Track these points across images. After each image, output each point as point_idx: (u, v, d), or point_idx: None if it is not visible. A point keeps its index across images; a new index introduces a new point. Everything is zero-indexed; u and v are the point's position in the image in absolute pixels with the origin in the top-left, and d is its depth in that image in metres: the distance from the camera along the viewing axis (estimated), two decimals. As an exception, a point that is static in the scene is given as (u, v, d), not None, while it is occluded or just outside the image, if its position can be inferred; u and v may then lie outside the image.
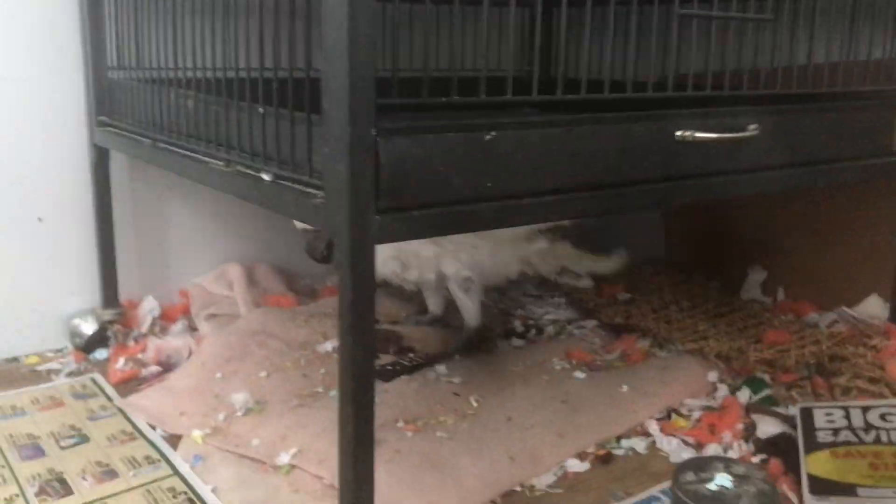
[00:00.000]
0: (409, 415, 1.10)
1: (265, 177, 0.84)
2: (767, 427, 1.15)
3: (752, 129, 0.94)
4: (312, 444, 1.03)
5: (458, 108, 0.78)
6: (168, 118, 1.10)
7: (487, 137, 0.75)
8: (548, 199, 0.81)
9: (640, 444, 1.13)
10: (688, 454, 1.11)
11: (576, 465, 1.07)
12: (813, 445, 1.05)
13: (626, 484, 1.05)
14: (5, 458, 1.07)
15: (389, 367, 1.24)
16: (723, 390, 1.26)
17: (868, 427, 1.07)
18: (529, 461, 1.04)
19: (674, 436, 1.15)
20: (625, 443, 1.13)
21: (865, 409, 1.11)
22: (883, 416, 1.09)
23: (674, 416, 1.20)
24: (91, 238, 1.43)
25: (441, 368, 1.24)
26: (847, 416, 1.10)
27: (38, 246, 1.40)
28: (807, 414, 1.12)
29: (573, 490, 1.03)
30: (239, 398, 1.15)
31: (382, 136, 0.70)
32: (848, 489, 0.97)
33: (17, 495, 0.98)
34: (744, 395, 1.24)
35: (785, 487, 1.01)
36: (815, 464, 1.02)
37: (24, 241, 1.39)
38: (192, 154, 1.03)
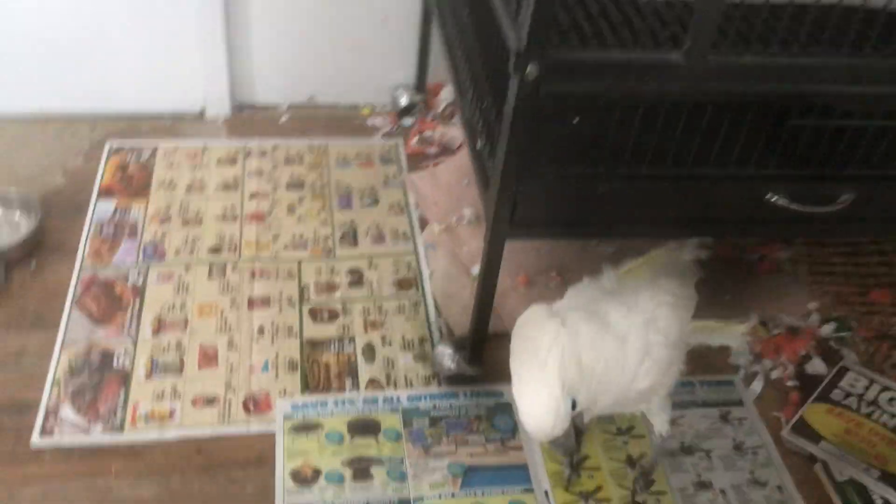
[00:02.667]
0: (562, 268, 1.63)
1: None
2: (816, 367, 1.53)
3: (843, 200, 1.22)
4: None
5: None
6: None
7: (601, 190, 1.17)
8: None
9: (716, 339, 1.58)
10: (743, 360, 1.54)
11: (659, 339, 1.57)
12: (822, 397, 1.45)
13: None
14: (329, 203, 1.77)
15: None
16: (814, 318, 1.62)
17: (872, 403, 1.43)
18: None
19: (747, 341, 1.58)
20: (707, 334, 1.59)
21: (883, 389, 1.45)
22: (890, 401, 1.43)
23: (760, 326, 1.61)
24: (415, 33, 1.95)
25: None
26: (867, 388, 1.46)
27: (382, 37, 1.96)
28: (841, 372, 1.49)
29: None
30: (467, 211, 1.73)
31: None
32: (815, 437, 1.39)
33: (329, 236, 1.70)
34: (827, 329, 1.59)
35: (782, 415, 1.45)
36: (812, 411, 1.43)
37: (372, 32, 1.95)
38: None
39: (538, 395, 1.05)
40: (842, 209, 1.22)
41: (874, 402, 1.44)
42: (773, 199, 1.20)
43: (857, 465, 1.35)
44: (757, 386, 1.50)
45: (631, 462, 1.35)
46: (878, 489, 1.32)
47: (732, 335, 1.36)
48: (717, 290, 1.64)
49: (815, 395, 1.46)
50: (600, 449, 1.36)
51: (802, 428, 1.41)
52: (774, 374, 1.52)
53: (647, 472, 1.33)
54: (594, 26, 1.08)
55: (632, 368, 1.13)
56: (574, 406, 1.06)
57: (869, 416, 1.42)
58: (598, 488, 1.31)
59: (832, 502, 1.32)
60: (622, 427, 1.40)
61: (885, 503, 1.31)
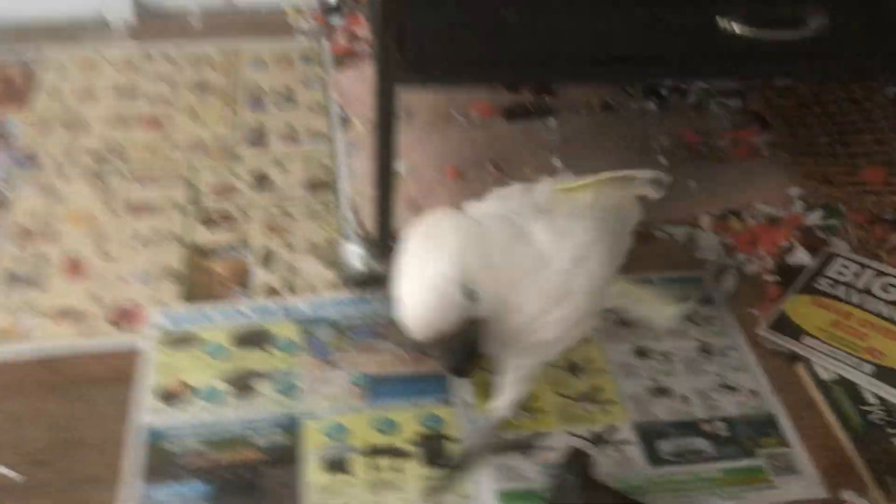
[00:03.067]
0: (500, 159, 1.40)
1: None
2: (799, 258, 1.30)
3: (813, 25, 0.98)
4: (424, 160, 1.39)
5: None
6: None
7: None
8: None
9: (680, 232, 1.35)
10: (713, 255, 1.31)
11: (613, 235, 1.34)
12: (805, 288, 1.22)
13: (643, 263, 1.29)
14: (237, 105, 1.55)
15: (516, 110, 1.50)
16: (797, 205, 1.38)
17: (864, 290, 1.20)
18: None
19: (718, 234, 1.34)
20: (669, 228, 1.35)
21: (878, 274, 1.22)
22: (885, 287, 1.20)
23: (732, 217, 1.37)
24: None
25: (552, 122, 1.48)
26: (858, 274, 1.23)
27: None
28: (828, 259, 1.26)
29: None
30: (393, 104, 1.51)
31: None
32: (796, 332, 1.16)
33: (232, 138, 1.47)
34: (813, 216, 1.36)
35: (758, 312, 1.22)
36: (794, 304, 1.20)
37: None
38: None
39: (424, 271, 0.78)
40: (811, 37, 0.98)
41: (866, 290, 1.20)
42: (726, 25, 0.96)
43: (846, 360, 1.12)
44: (729, 282, 1.27)
45: (573, 368, 1.13)
46: (870, 386, 1.09)
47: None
48: (684, 177, 1.41)
49: (797, 285, 1.23)
50: (537, 355, 1.14)
51: (782, 323, 1.18)
52: (750, 269, 1.29)
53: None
54: None
55: (544, 306, 0.85)
56: (472, 298, 0.78)
57: (860, 305, 1.19)
58: (532, 397, 1.09)
59: (816, 404, 1.10)
60: (565, 330, 1.18)
61: (880, 402, 1.09)
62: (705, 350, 1.17)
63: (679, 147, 1.47)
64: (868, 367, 1.11)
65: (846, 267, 1.24)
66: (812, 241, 1.32)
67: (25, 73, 1.58)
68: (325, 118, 1.53)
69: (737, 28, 0.96)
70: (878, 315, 1.17)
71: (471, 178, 1.36)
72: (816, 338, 1.15)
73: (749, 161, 1.45)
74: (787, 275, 1.27)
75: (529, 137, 1.44)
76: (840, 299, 1.20)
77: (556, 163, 1.40)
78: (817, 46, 0.99)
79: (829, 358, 1.12)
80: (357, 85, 1.59)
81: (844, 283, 1.22)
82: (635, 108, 1.53)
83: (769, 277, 1.27)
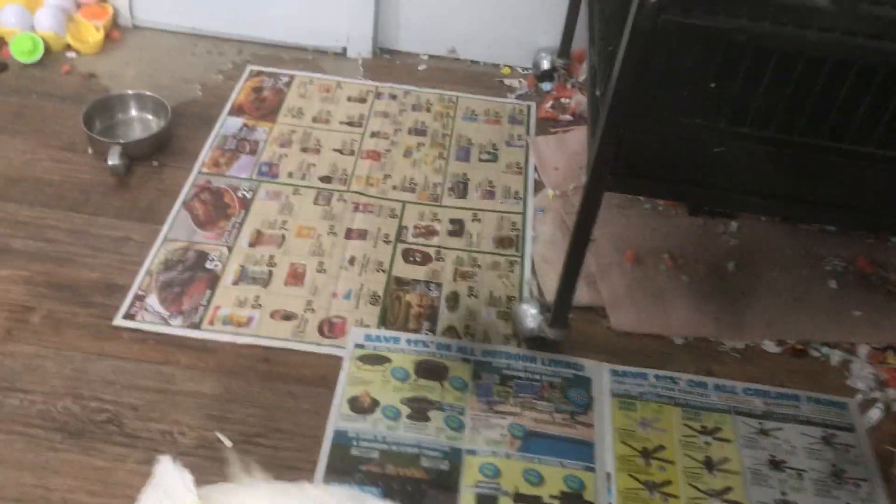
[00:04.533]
0: (676, 252, 1.51)
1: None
2: (948, 405, 1.34)
3: None
4: (607, 240, 1.52)
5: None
6: None
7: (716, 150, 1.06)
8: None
9: (836, 357, 1.42)
10: (864, 385, 1.37)
11: (769, 346, 1.42)
12: None
13: (792, 378, 1.38)
14: (447, 153, 1.73)
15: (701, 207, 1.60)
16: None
17: None
18: (731, 328, 1.42)
19: (873, 366, 1.40)
20: (826, 350, 1.42)
21: None
22: None
23: (891, 352, 1.43)
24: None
25: (733, 225, 1.57)
26: None
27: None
28: (978, 417, 1.29)
29: (749, 362, 1.40)
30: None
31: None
32: None
33: (439, 184, 1.66)
34: (975, 368, 1.40)
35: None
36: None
37: None
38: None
39: None
40: None
41: None
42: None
43: (977, 520, 1.17)
44: (875, 414, 1.33)
45: (709, 465, 1.23)
46: None
47: None
48: (850, 304, 1.47)
49: (937, 435, 1.28)
50: (678, 444, 1.25)
51: None
52: (896, 407, 1.35)
53: None
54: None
55: None
56: None
57: None
58: (668, 482, 1.20)
59: (939, 554, 1.15)
60: (707, 426, 1.29)
61: None
62: (837, 475, 1.24)
63: (851, 273, 1.53)
64: None
65: None
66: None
67: (276, 91, 1.84)
68: (521, 178, 1.69)
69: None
70: None
71: (647, 265, 1.49)
72: None
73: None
74: (919, 421, 1.32)
75: (709, 236, 1.55)
76: None
77: (730, 266, 1.50)
78: None
79: (960, 513, 1.17)
80: (554, 152, 1.74)
81: None
82: (815, 226, 1.60)
83: (912, 420, 1.32)
